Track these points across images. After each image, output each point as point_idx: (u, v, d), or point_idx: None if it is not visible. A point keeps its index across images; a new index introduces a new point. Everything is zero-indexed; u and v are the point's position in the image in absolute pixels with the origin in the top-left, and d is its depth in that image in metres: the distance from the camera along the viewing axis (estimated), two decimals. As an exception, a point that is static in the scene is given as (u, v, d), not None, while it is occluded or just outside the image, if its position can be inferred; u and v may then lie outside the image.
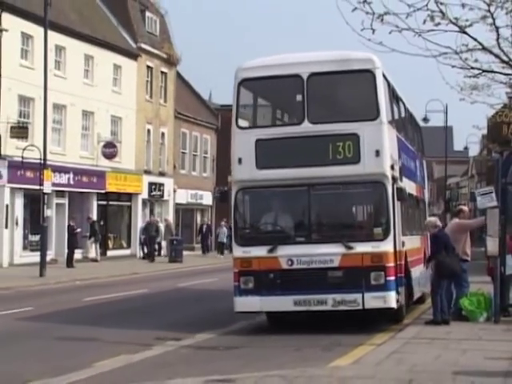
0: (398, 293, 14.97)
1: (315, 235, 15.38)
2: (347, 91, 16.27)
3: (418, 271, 18.24)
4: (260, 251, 15.11)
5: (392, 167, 15.13)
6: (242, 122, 15.93)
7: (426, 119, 55.76)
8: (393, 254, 14.90)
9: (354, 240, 14.99)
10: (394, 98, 17.31)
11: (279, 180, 15.24)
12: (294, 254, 14.99)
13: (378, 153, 14.87)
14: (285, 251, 15.04)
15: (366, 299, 14.64)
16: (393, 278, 14.80)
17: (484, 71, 15.58)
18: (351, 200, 15.94)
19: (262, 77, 15.75)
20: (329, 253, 14.85)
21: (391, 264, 14.80)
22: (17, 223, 36.46)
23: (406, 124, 19.52)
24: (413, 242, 17.83)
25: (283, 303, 14.93)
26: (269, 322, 16.47)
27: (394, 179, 15.22)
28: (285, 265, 14.97)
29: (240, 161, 15.41)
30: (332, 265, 14.83)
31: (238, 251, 15.36)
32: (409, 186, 17.87)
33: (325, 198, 15.72)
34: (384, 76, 15.48)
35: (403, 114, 18.91)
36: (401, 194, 15.51)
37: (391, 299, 14.74)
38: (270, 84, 16.13)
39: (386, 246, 14.84)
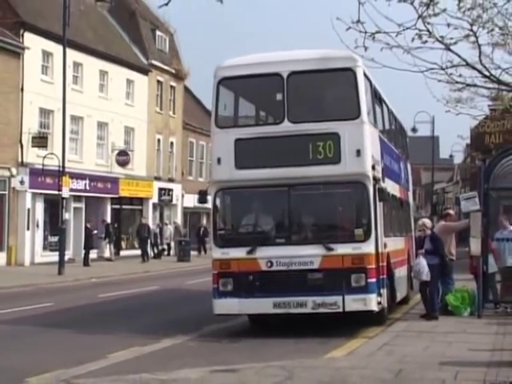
0: (379, 295, 13.86)
1: (295, 236, 14.15)
2: (328, 90, 15.11)
3: (402, 273, 17.25)
4: (239, 252, 13.89)
5: (373, 167, 13.97)
6: (222, 122, 14.64)
7: (414, 129, 55.78)
8: (374, 256, 13.74)
9: (335, 241, 13.77)
10: (377, 98, 16.09)
11: (259, 180, 14.02)
12: (274, 256, 13.76)
13: (358, 152, 13.71)
14: (264, 253, 13.82)
15: (346, 302, 13.44)
16: (374, 279, 13.63)
17: (468, 85, 15.54)
18: (332, 200, 14.44)
19: (242, 75, 14.48)
20: (309, 254, 13.66)
21: (372, 266, 13.64)
22: (37, 225, 36.47)
23: (389, 126, 18.27)
24: (396, 244, 16.71)
25: (262, 305, 13.75)
26: (251, 324, 15.29)
27: (376, 180, 14.13)
28: (264, 266, 13.75)
29: (219, 161, 14.21)
30: (312, 266, 13.63)
31: (217, 252, 14.12)
32: (392, 188, 16.88)
33: (305, 198, 14.44)
34: (365, 75, 14.35)
35: (386, 116, 17.67)
36: (382, 194, 14.42)
37: (372, 302, 13.57)
38: (249, 83, 14.78)
39: (367, 248, 13.66)
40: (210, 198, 14.46)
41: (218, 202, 14.37)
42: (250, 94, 15.44)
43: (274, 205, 14.54)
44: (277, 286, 13.64)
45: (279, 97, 14.22)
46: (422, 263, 15.32)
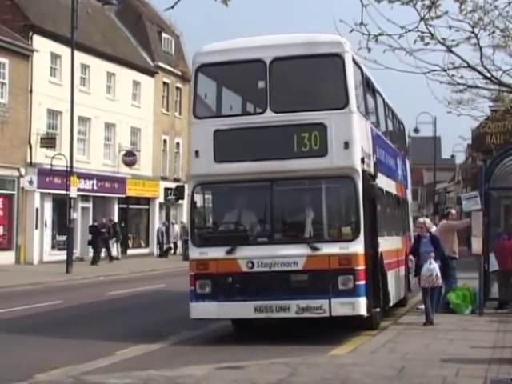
0: (369, 299, 12.65)
1: (278, 235, 12.91)
2: (314, 77, 13.68)
3: (398, 274, 16.24)
4: (218, 252, 12.66)
5: (363, 161, 12.74)
6: (200, 112, 13.37)
7: (416, 130, 55.80)
8: (363, 256, 12.48)
9: (321, 240, 12.59)
10: (370, 88, 14.83)
11: (239, 174, 12.81)
12: (255, 256, 12.55)
13: (346, 145, 12.46)
14: (244, 252, 12.62)
15: (333, 305, 12.25)
16: (363, 282, 12.38)
17: (469, 87, 15.54)
18: (318, 196, 13.05)
19: (222, 62, 13.18)
20: (293, 254, 12.44)
21: (361, 267, 12.38)
22: (46, 225, 36.54)
23: (384, 118, 16.82)
24: (390, 244, 15.46)
25: (242, 309, 12.60)
26: (234, 328, 14.27)
27: (366, 174, 12.96)
28: (244, 267, 12.55)
29: (197, 154, 12.99)
30: (296, 267, 12.41)
31: (195, 252, 12.93)
32: (387, 184, 15.76)
33: (289, 194, 13.23)
34: (355, 61, 13.03)
35: (381, 108, 16.34)
36: (373, 190, 13.24)
37: (361, 306, 12.36)
38: (230, 70, 13.47)
39: (356, 247, 12.39)
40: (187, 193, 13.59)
41: (195, 197, 13.24)
42: (231, 81, 14.17)
43: (255, 201, 13.30)
44: (258, 289, 12.50)
45: (261, 84, 12.98)
46: (437, 269, 14.10)
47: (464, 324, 14.28)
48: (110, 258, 37.70)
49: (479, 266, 15.84)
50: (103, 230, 37.53)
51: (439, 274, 14.11)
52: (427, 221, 15.49)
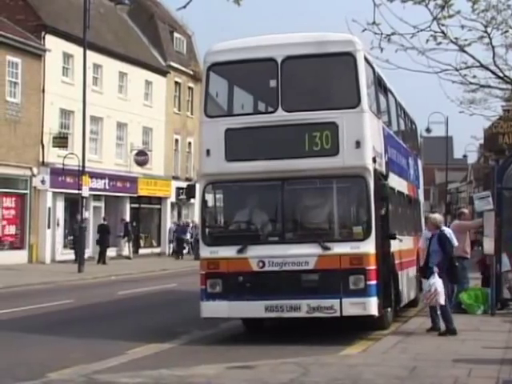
0: (380, 298, 12.52)
1: (289, 234, 12.82)
2: (325, 76, 13.55)
3: (409, 274, 16.07)
4: (229, 251, 12.61)
5: (374, 160, 12.60)
6: (211, 110, 13.28)
7: (428, 130, 55.63)
8: (374, 256, 12.36)
9: (332, 240, 12.49)
10: (381, 87, 14.68)
11: (250, 173, 12.70)
12: (266, 255, 12.46)
13: (358, 144, 12.36)
14: (255, 252, 12.54)
15: (344, 305, 12.15)
16: (374, 282, 12.27)
17: (481, 86, 15.51)
18: (329, 196, 12.96)
19: (233, 61, 13.10)
20: (304, 254, 12.36)
21: (372, 267, 12.27)
22: (58, 224, 36.64)
23: (396, 118, 16.67)
24: (402, 243, 15.31)
25: (253, 309, 12.52)
26: (245, 328, 14.21)
27: (378, 174, 12.82)
28: (255, 267, 12.47)
29: (208, 152, 12.89)
30: (307, 267, 12.33)
31: (205, 251, 12.87)
32: (398, 184, 15.63)
33: (300, 193, 13.14)
34: (367, 60, 12.91)
35: (393, 107, 16.20)
36: (385, 189, 13.07)
37: (372, 306, 12.25)
38: (241, 68, 13.39)
39: (367, 247, 12.30)
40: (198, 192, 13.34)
41: (206, 196, 13.10)
42: (242, 80, 14.08)
43: (266, 200, 13.26)
44: (269, 288, 12.43)
45: (273, 83, 12.87)
46: (439, 284, 12.81)
47: (476, 324, 14.22)
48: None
49: (491, 266, 15.76)
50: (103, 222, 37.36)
51: (440, 291, 12.75)
52: (438, 217, 14.47)
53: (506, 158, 17.79)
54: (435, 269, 13.13)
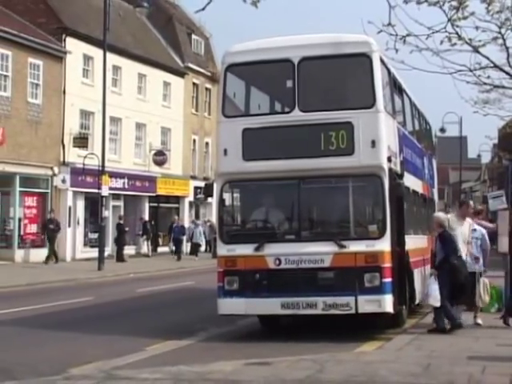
0: (395, 296, 12.52)
1: (305, 233, 12.84)
2: (341, 77, 13.59)
3: (423, 273, 15.75)
4: (246, 249, 12.65)
5: (389, 159, 12.64)
6: (229, 111, 13.36)
7: (443, 129, 55.43)
8: (389, 254, 12.39)
9: (347, 238, 12.50)
10: (396, 88, 14.63)
11: (267, 172, 12.75)
12: (282, 253, 12.51)
13: (373, 143, 12.40)
14: (272, 250, 12.58)
15: (359, 303, 12.17)
16: (389, 279, 12.31)
17: (495, 87, 15.45)
18: (344, 194, 12.93)
19: (250, 61, 13.16)
20: (319, 252, 12.39)
21: (387, 264, 12.30)
22: (78, 223, 36.79)
23: (411, 118, 16.69)
24: (417, 242, 15.33)
25: (270, 306, 12.54)
26: (261, 324, 14.15)
27: (393, 173, 12.84)
28: (272, 264, 12.51)
29: (225, 152, 12.93)
30: (323, 265, 12.35)
31: (223, 249, 12.92)
32: (413, 183, 15.62)
33: (316, 192, 13.13)
34: (382, 61, 12.94)
35: (408, 107, 16.16)
36: (400, 188, 13.15)
37: (387, 303, 12.27)
38: (258, 69, 13.44)
39: (382, 245, 12.32)
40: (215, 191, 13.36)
41: (224, 195, 13.14)
42: (259, 81, 14.15)
43: (283, 199, 13.30)
44: (285, 286, 12.45)
45: (290, 84, 12.94)
46: (433, 286, 12.87)
47: (490, 322, 14.15)
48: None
49: (505, 265, 15.68)
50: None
51: (432, 294, 12.75)
52: (441, 216, 14.08)
53: (520, 158, 17.66)
54: (431, 270, 13.23)
